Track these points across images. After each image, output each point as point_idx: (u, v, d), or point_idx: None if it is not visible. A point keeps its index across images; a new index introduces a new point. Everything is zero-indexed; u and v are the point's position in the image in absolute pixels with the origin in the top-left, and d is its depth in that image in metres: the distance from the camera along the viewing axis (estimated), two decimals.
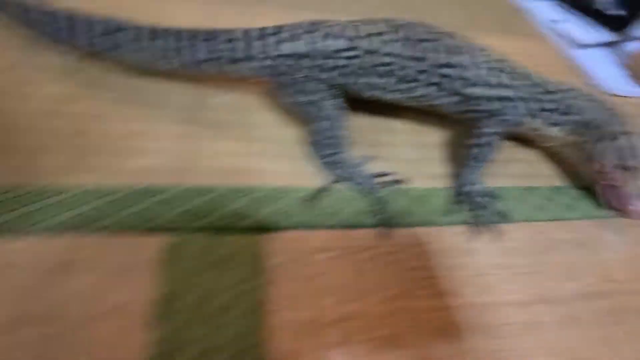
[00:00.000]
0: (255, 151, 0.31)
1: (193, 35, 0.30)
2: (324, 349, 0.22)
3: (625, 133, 0.32)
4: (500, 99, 0.32)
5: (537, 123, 0.33)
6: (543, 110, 0.33)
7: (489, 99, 0.32)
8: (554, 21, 0.57)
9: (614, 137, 0.31)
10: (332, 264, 0.26)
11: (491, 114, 0.32)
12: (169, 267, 0.24)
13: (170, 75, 0.34)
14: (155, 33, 0.30)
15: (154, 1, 0.42)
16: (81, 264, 0.23)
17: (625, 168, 0.31)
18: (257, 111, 0.34)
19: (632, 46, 0.55)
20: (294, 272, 0.25)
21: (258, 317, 0.23)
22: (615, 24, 0.56)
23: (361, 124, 0.35)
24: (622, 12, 0.56)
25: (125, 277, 0.23)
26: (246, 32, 0.30)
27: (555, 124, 0.33)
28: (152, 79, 0.34)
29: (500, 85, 0.32)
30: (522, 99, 0.32)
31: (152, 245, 0.25)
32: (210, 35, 0.30)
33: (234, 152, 0.31)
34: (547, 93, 0.33)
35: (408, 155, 0.34)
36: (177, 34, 0.30)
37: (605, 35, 0.56)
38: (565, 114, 0.33)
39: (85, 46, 0.31)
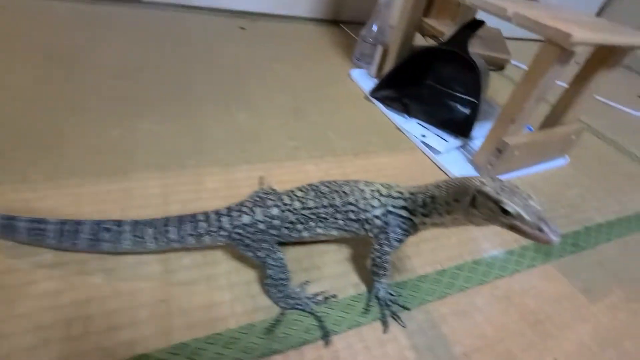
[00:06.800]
0: (220, 300, 0.41)
1: (165, 223, 0.41)
2: None
3: (478, 190, 0.36)
4: (378, 216, 0.43)
5: (423, 219, 0.42)
6: (416, 208, 0.42)
7: (375, 217, 0.44)
8: (423, 136, 0.80)
9: (473, 195, 0.37)
10: None
11: (381, 229, 0.44)
12: None
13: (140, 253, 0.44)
14: (135, 227, 0.41)
15: (126, 197, 0.53)
16: None
17: (503, 207, 0.34)
18: (219, 263, 0.45)
19: (473, 144, 0.79)
20: None
21: None
22: (461, 131, 0.80)
23: (297, 255, 0.47)
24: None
25: None
26: (216, 212, 0.42)
27: (433, 212, 0.41)
28: (124, 257, 0.43)
29: (376, 206, 0.43)
30: (391, 212, 0.43)
31: None
32: (183, 220, 0.42)
33: (203, 305, 0.40)
34: (410, 196, 0.43)
35: (335, 271, 0.47)
36: (151, 224, 0.41)
37: (455, 141, 0.80)
38: (431, 201, 0.41)
39: (71, 247, 0.40)
